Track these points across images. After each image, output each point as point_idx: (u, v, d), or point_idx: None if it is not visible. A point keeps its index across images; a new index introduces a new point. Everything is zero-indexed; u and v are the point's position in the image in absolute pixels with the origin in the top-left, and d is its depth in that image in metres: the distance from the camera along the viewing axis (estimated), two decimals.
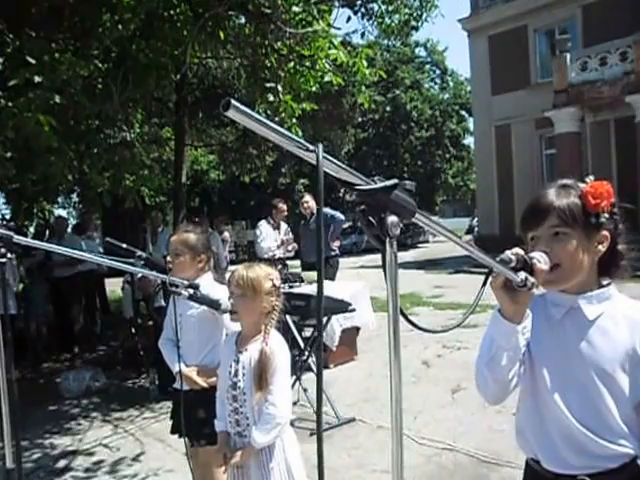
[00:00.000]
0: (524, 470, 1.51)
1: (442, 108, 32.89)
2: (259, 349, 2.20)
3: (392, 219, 0.89)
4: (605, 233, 1.36)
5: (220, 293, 2.60)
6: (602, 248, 1.36)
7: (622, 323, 1.35)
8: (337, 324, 5.87)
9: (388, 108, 31.06)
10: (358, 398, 4.95)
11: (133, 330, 6.56)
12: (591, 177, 1.39)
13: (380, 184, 0.89)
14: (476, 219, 24.62)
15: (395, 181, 0.90)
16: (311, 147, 0.80)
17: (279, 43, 5.80)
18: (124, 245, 2.96)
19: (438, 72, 35.53)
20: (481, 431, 4.09)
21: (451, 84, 35.24)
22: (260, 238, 7.40)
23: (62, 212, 20.63)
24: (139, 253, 3.01)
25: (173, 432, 2.91)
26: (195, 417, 2.63)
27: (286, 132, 0.80)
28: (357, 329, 6.41)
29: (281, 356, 2.22)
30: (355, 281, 7.21)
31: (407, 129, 31.75)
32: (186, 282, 2.39)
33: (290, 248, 7.50)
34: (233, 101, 0.74)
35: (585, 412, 1.33)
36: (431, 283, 11.66)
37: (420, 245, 29.25)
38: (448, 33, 32.07)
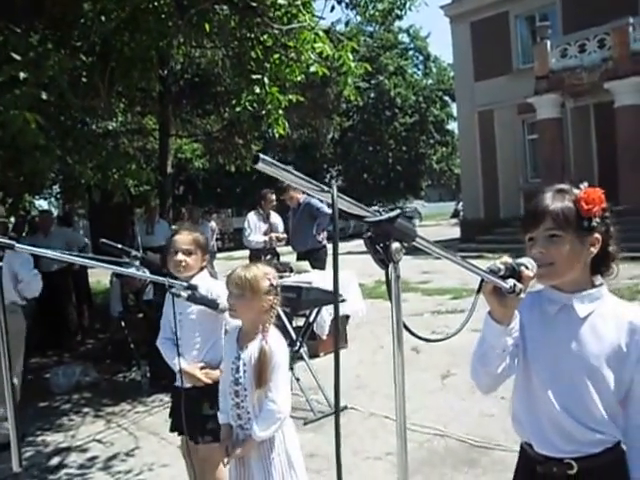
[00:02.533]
0: (519, 453, 1.65)
1: (426, 94, 32.90)
2: (259, 347, 2.27)
3: (395, 246, 1.01)
4: (597, 236, 1.46)
5: (218, 289, 2.67)
6: (594, 250, 1.47)
7: (610, 322, 1.46)
8: (327, 313, 5.93)
9: (372, 95, 31.02)
10: (349, 386, 5.02)
11: (123, 323, 6.55)
12: (585, 183, 1.49)
13: (385, 215, 1.00)
14: (461, 203, 24.81)
15: (398, 211, 1.01)
16: (326, 188, 0.92)
17: (265, 36, 5.79)
18: (119, 245, 2.97)
19: (421, 58, 35.49)
20: (471, 416, 4.18)
21: (434, 70, 35.23)
22: (247, 231, 7.43)
23: (43, 203, 20.39)
24: (134, 253, 3.02)
25: (173, 430, 2.93)
26: (200, 413, 2.67)
27: (305, 177, 0.93)
28: (347, 317, 6.48)
29: (280, 354, 2.30)
30: (344, 270, 7.26)
31: (391, 115, 31.74)
32: (185, 283, 2.42)
33: (279, 239, 7.54)
34: (262, 155, 0.85)
35: (571, 402, 1.44)
36: (418, 269, 11.75)
37: None
38: (431, 19, 32.11)
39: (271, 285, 2.32)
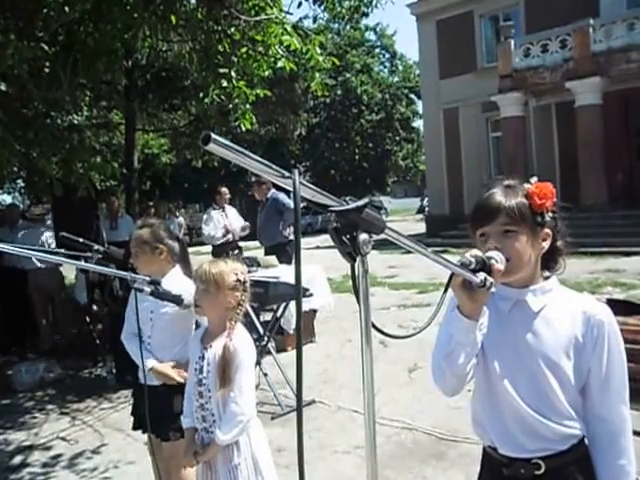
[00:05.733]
0: (482, 458, 1.62)
1: (392, 92, 33.12)
2: (223, 345, 2.21)
3: (363, 237, 0.95)
4: (548, 231, 1.47)
5: (186, 287, 2.59)
6: (545, 245, 1.47)
7: (564, 313, 1.46)
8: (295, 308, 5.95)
9: (339, 92, 31.08)
10: (317, 380, 5.05)
11: (87, 318, 6.43)
12: (535, 178, 1.49)
13: (352, 204, 0.94)
14: (426, 199, 25.10)
15: (366, 200, 0.96)
16: (287, 174, 0.85)
17: (232, 29, 5.75)
18: (81, 240, 2.92)
19: (387, 56, 35.70)
20: (438, 409, 4.20)
21: (400, 68, 35.47)
22: (205, 228, 7.62)
23: (7, 198, 19.86)
24: (96, 247, 2.99)
25: (135, 428, 2.89)
26: (171, 410, 2.63)
27: (263, 161, 0.85)
28: (314, 311, 6.51)
29: (245, 352, 2.23)
30: (311, 264, 7.31)
31: (358, 112, 31.88)
32: (147, 278, 2.37)
33: (242, 232, 7.62)
34: (213, 135, 0.76)
35: (534, 397, 1.43)
36: (385, 263, 11.84)
37: None
38: (397, 16, 32.26)
39: (238, 281, 2.27)
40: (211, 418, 2.24)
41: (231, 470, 2.20)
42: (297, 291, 0.81)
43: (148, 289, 2.32)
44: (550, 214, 1.47)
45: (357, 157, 32.18)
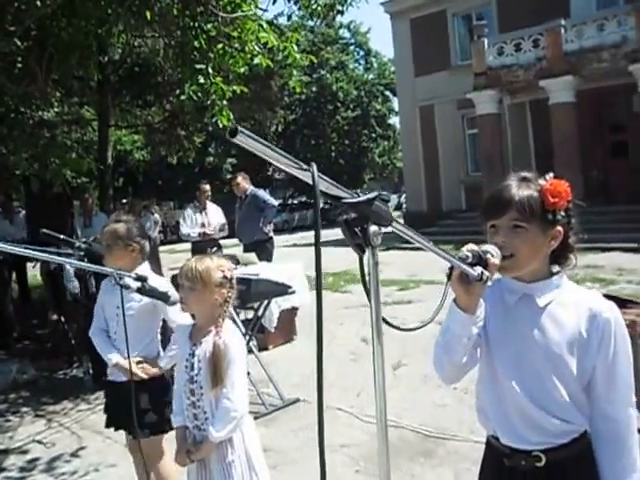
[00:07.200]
0: (485, 447, 1.62)
1: (367, 89, 33.22)
2: (213, 343, 2.19)
3: (373, 229, 0.99)
4: (559, 229, 1.44)
5: (162, 284, 2.60)
6: (554, 243, 1.45)
7: (570, 309, 1.45)
8: (275, 306, 5.90)
9: (314, 89, 31.05)
10: (301, 378, 5.00)
11: (62, 318, 6.27)
12: (551, 174, 1.47)
13: (363, 197, 0.98)
14: (404, 196, 25.23)
15: (376, 193, 0.99)
16: (305, 166, 0.89)
17: (209, 25, 5.69)
18: (62, 236, 2.87)
19: (362, 53, 35.80)
20: (424, 406, 4.20)
21: (375, 65, 35.60)
22: (181, 224, 7.61)
23: None
24: (78, 244, 2.94)
25: (108, 425, 2.89)
26: (137, 406, 2.57)
27: (284, 154, 0.89)
28: (295, 309, 6.47)
29: (235, 348, 2.22)
30: (290, 262, 7.29)
31: (333, 109, 31.90)
32: (134, 274, 2.35)
33: (211, 231, 7.53)
34: (240, 128, 0.81)
35: (537, 391, 1.43)
36: (364, 261, 11.85)
37: None
38: (372, 14, 32.38)
39: (224, 278, 2.25)
40: (203, 416, 2.21)
41: (225, 468, 2.18)
42: (318, 281, 0.80)
43: (134, 286, 2.29)
44: (562, 212, 1.45)
45: (333, 154, 32.20)
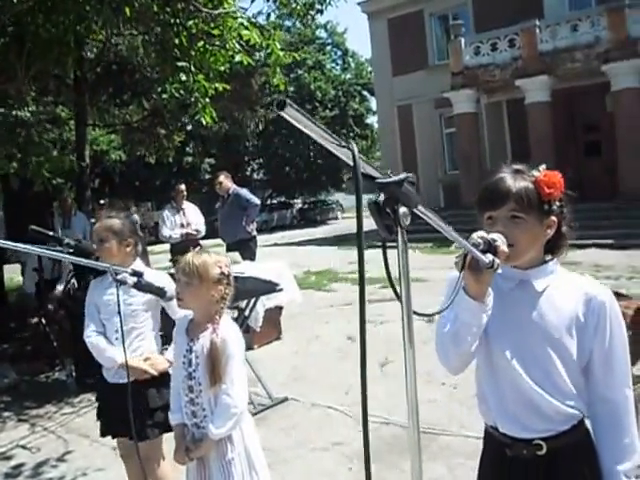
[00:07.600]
0: (484, 439, 1.62)
1: (345, 88, 33.29)
2: (210, 340, 2.16)
3: (403, 210, 1.00)
4: (554, 218, 1.49)
5: (159, 279, 2.55)
6: (550, 232, 1.49)
7: (567, 293, 1.49)
8: (260, 304, 5.86)
9: (292, 88, 30.98)
10: (288, 377, 4.99)
11: (43, 320, 6.14)
12: (543, 166, 1.50)
13: (395, 177, 0.98)
14: (382, 195, 25.32)
15: (405, 175, 0.99)
16: (344, 143, 0.89)
17: (190, 22, 5.63)
18: (51, 233, 2.83)
19: (339, 53, 35.86)
20: None
21: (352, 65, 35.68)
22: (160, 226, 7.54)
23: None
24: (67, 240, 2.90)
25: (104, 434, 2.79)
26: (145, 406, 2.55)
27: (327, 130, 0.90)
28: (280, 308, 6.44)
29: (233, 344, 2.19)
30: (274, 260, 7.26)
31: (312, 109, 31.82)
32: (130, 270, 2.30)
33: (193, 231, 7.47)
34: (288, 101, 0.81)
35: (537, 374, 1.45)
36: (345, 259, 11.86)
37: (330, 222, 29.68)
38: (349, 14, 32.46)
39: (222, 274, 2.21)
40: (202, 413, 2.17)
41: (225, 465, 2.14)
42: (360, 276, 0.79)
43: (131, 281, 2.24)
44: (557, 203, 1.49)
45: (312, 153, 32.16)
